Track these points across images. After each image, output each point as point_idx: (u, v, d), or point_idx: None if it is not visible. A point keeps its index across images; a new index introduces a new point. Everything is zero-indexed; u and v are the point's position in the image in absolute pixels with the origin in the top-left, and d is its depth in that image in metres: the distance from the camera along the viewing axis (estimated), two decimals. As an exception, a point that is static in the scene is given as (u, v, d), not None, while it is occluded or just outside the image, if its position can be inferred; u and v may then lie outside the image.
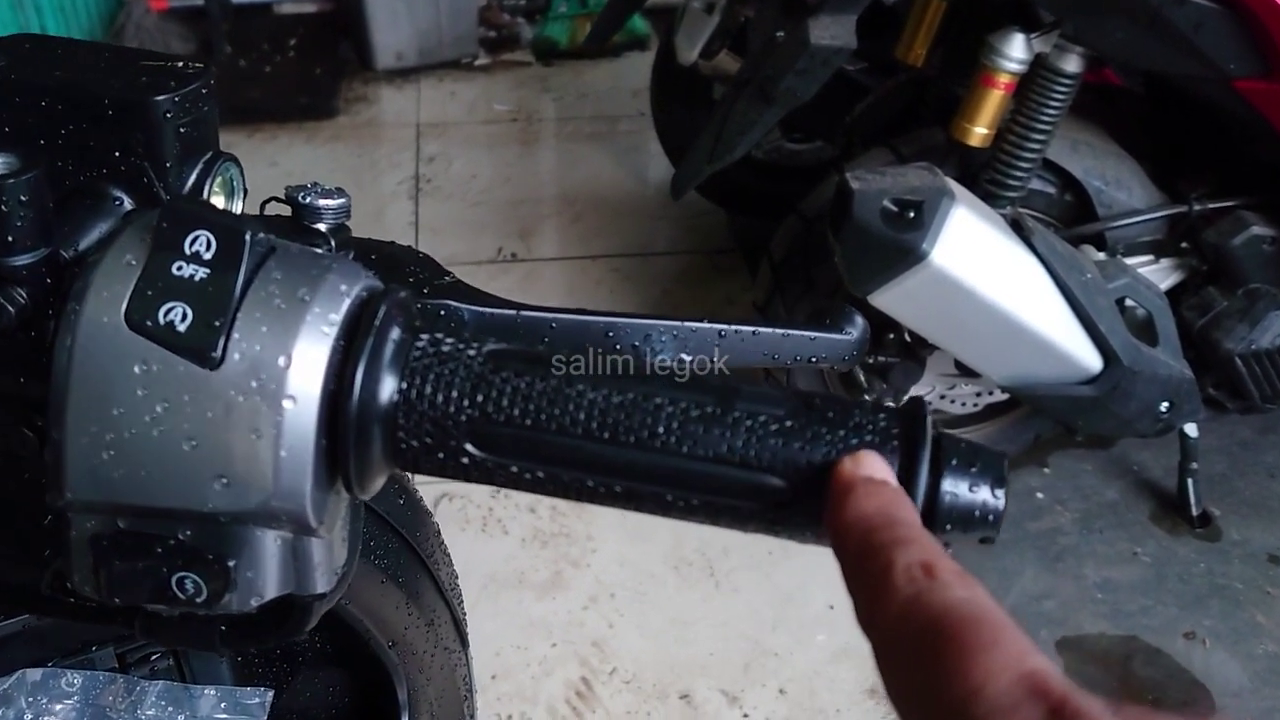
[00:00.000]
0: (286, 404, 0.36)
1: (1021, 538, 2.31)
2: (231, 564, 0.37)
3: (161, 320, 0.35)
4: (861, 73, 2.43)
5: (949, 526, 0.37)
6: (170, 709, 0.62)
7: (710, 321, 0.48)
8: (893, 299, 1.77)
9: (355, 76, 3.98)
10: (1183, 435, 2.26)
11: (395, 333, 0.38)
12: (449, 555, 0.82)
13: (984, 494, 0.36)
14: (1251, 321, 1.99)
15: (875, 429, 0.37)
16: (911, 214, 1.70)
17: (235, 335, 0.36)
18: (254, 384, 0.35)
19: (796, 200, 2.19)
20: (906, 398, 0.38)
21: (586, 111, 3.84)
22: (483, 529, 2.25)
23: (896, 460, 0.36)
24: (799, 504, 0.37)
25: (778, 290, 2.13)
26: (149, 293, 0.35)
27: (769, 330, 0.49)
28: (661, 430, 0.37)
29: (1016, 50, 1.81)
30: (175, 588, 0.37)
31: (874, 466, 0.37)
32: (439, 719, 0.82)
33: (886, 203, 1.71)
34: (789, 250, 2.13)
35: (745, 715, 1.93)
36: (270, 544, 0.38)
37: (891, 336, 2.07)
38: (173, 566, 0.37)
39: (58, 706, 0.61)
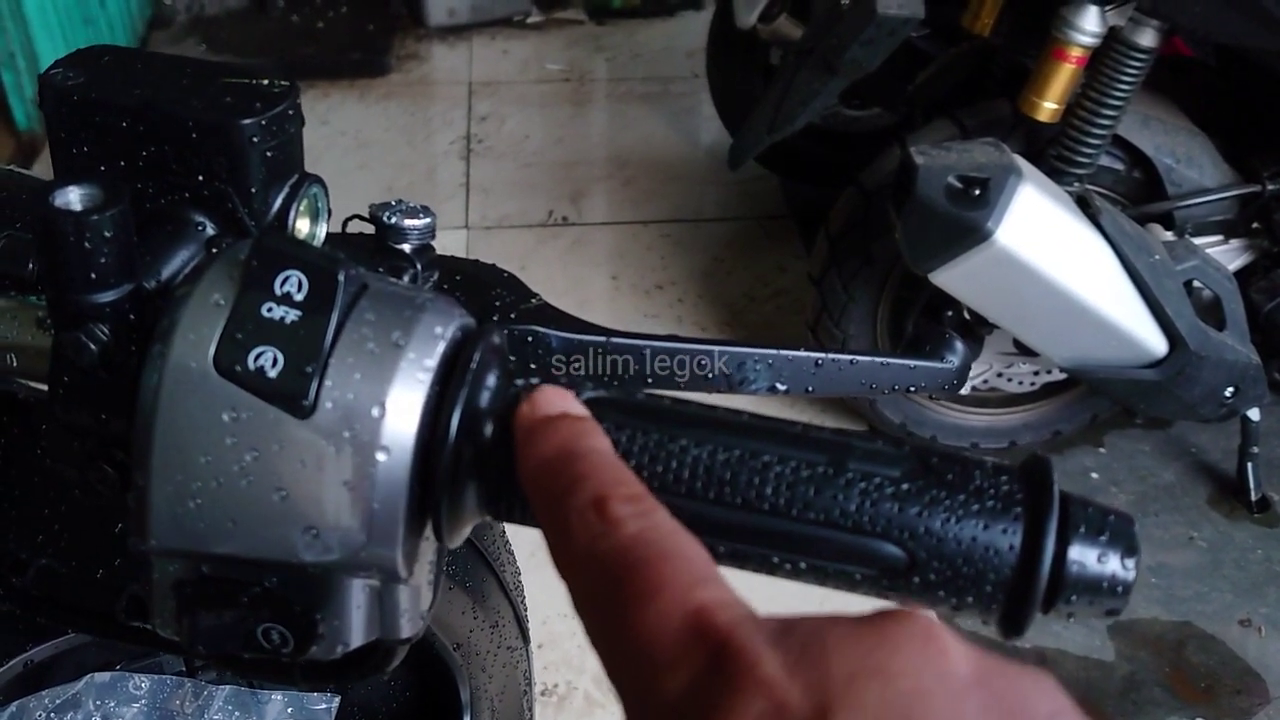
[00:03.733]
0: (380, 455, 0.34)
1: (1075, 519, 2.28)
2: (318, 616, 0.36)
3: (251, 366, 0.34)
4: (925, 39, 2.37)
5: (1074, 598, 0.34)
6: (237, 714, 0.62)
7: (807, 350, 0.46)
8: (954, 278, 1.74)
9: (408, 33, 3.96)
10: (1244, 418, 2.21)
11: (491, 379, 0.36)
12: (513, 553, 0.81)
13: (1113, 565, 0.34)
14: (1322, 306, 1.94)
15: (997, 492, 0.35)
16: (977, 191, 1.66)
17: (328, 382, 0.34)
18: (347, 434, 0.34)
19: (852, 168, 2.16)
20: (1028, 456, 0.36)
21: (639, 72, 3.79)
22: (531, 497, 2.25)
23: (1020, 527, 0.34)
24: (916, 573, 0.35)
25: (834, 264, 2.10)
26: (238, 336, 0.34)
27: (867, 359, 0.46)
28: (770, 491, 0.35)
29: (1090, 23, 1.76)
30: (261, 638, 0.36)
31: (552, 401, 0.36)
32: (499, 713, 0.81)
33: (951, 179, 1.67)
34: (847, 223, 2.10)
35: (792, 692, 1.93)
36: (358, 593, 0.36)
37: (950, 314, 2.03)
38: (259, 617, 0.35)
39: (125, 710, 0.60)
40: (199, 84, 0.40)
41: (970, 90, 2.22)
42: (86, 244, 0.34)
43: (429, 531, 0.37)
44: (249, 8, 4.02)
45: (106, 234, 0.35)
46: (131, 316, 0.36)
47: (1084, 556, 0.34)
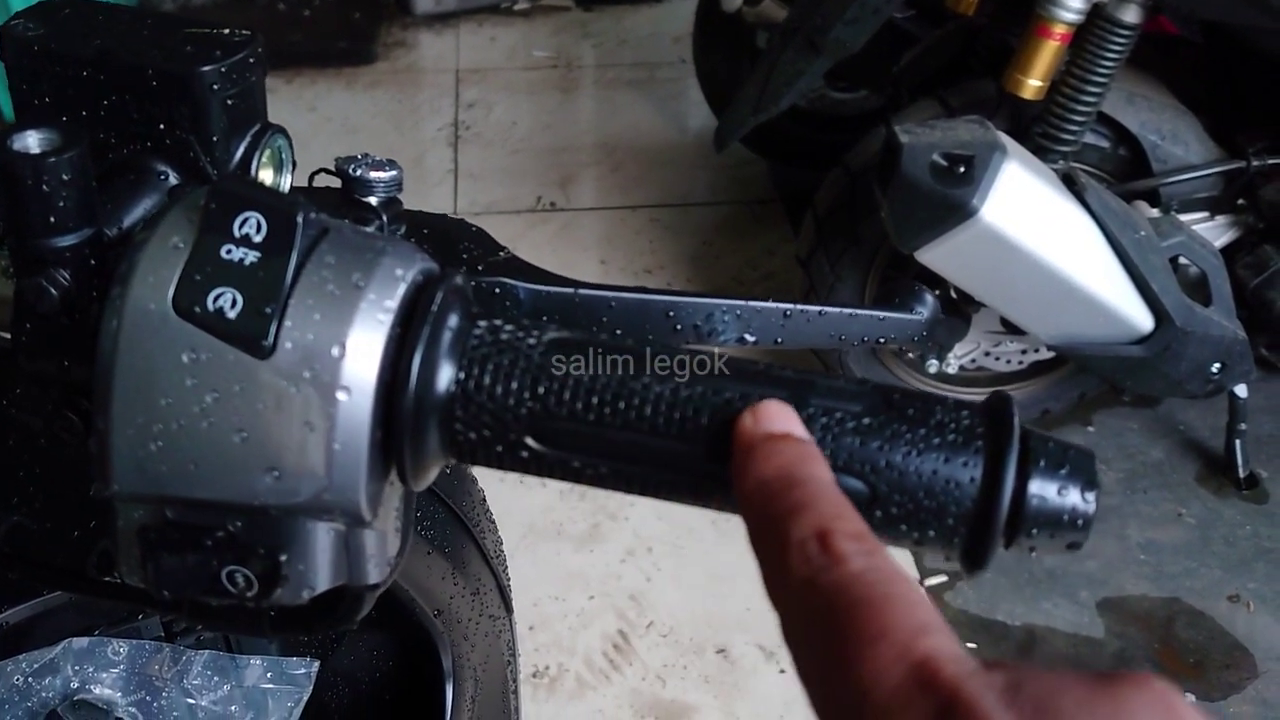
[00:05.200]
0: (340, 395, 0.34)
1: (1064, 497, 2.28)
2: (282, 558, 0.36)
3: (210, 307, 0.34)
4: (909, 20, 2.37)
5: (1035, 531, 0.35)
6: (216, 678, 0.62)
7: (775, 301, 0.46)
8: (940, 256, 1.74)
9: (394, 21, 3.95)
10: (1231, 395, 2.22)
11: (453, 320, 0.36)
12: (494, 521, 0.81)
13: (1074, 497, 0.34)
14: (1308, 281, 1.95)
15: (958, 426, 0.35)
16: (961, 169, 1.66)
17: (287, 323, 0.34)
18: (307, 374, 0.34)
19: (840, 150, 2.16)
20: (990, 392, 0.36)
21: (626, 58, 3.79)
22: (520, 481, 2.25)
23: (981, 461, 0.34)
24: (878, 506, 0.35)
25: (821, 244, 2.10)
26: (197, 278, 0.34)
27: (835, 311, 0.46)
28: None
29: (1074, 0, 1.76)
30: (225, 581, 0.36)
31: (776, 418, 0.35)
32: (482, 684, 0.81)
33: (936, 157, 1.67)
34: (834, 204, 2.10)
35: (782, 670, 1.93)
36: (322, 536, 0.36)
37: (937, 292, 2.03)
38: (222, 560, 0.36)
39: (104, 675, 0.60)
40: (160, 35, 0.40)
41: (955, 70, 2.22)
42: (45, 187, 0.34)
43: (394, 476, 0.37)
44: (235, -5, 4.01)
45: (65, 177, 0.35)
46: (92, 262, 0.36)
47: (1044, 490, 0.34)
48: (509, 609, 0.85)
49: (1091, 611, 2.08)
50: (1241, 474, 2.31)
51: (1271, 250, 2.00)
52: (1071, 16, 1.77)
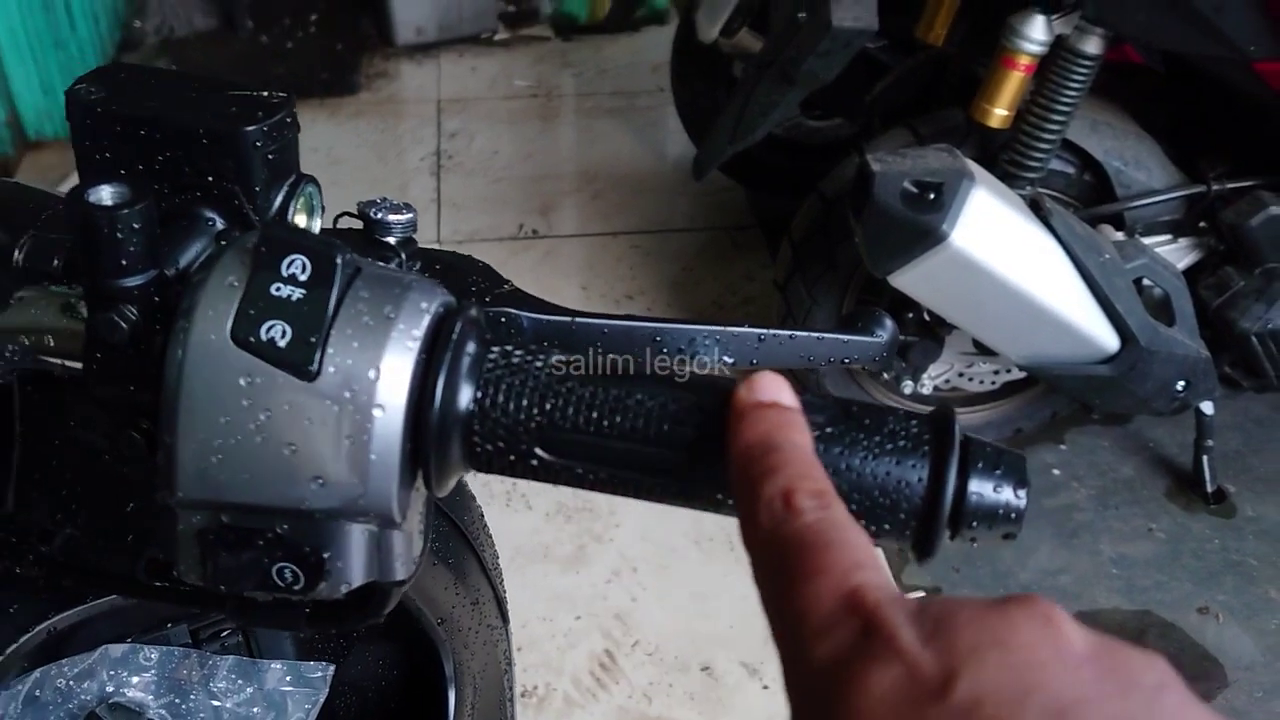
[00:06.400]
0: (376, 412, 0.39)
1: (1038, 514, 2.34)
2: (326, 555, 0.41)
3: (263, 337, 0.39)
4: (881, 50, 2.43)
5: (975, 523, 0.40)
6: (240, 681, 0.66)
7: (751, 326, 0.52)
8: (912, 280, 1.80)
9: (376, 52, 4.01)
10: (1198, 413, 2.28)
11: (471, 346, 0.42)
12: (491, 536, 0.86)
13: (1007, 494, 0.40)
14: (1268, 301, 2.01)
15: (907, 434, 0.40)
16: (932, 195, 1.72)
17: (330, 350, 0.39)
18: (347, 394, 0.39)
19: (815, 177, 2.21)
20: (935, 407, 0.41)
21: (606, 87, 3.85)
22: (507, 504, 2.29)
23: (927, 464, 0.40)
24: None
25: (798, 269, 2.16)
26: (251, 312, 0.39)
27: (805, 335, 0.52)
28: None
29: (1037, 32, 1.83)
30: (275, 577, 0.41)
31: (767, 388, 0.41)
32: (482, 691, 0.86)
33: (907, 184, 1.73)
34: (809, 230, 2.15)
35: (765, 687, 1.98)
36: (358, 536, 0.41)
37: (910, 316, 2.09)
38: (273, 558, 0.41)
39: (135, 680, 0.65)
40: (206, 96, 0.45)
41: (925, 99, 2.29)
42: (118, 234, 0.40)
43: (420, 482, 0.42)
44: (218, 28, 4.06)
45: (135, 225, 0.40)
46: (156, 299, 0.42)
47: (982, 488, 0.40)
48: (505, 619, 0.89)
49: (1066, 624, 2.13)
50: (1209, 489, 2.37)
51: (1232, 271, 2.06)
52: (1035, 48, 1.84)
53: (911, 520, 0.40)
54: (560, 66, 3.99)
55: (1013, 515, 0.40)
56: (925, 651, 0.31)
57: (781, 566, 0.36)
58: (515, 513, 2.28)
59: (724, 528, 2.24)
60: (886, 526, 0.40)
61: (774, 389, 0.41)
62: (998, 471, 0.40)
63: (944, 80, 2.27)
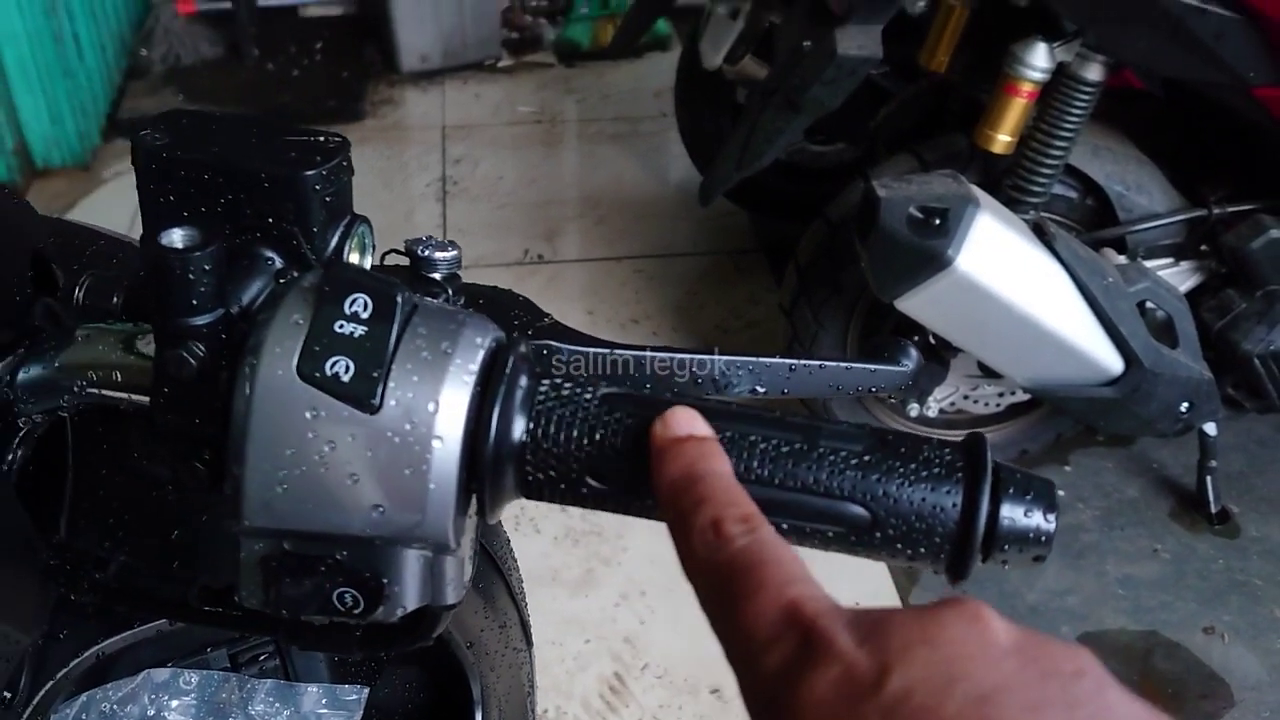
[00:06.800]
0: (435, 443, 0.41)
1: (1043, 534, 2.35)
2: (385, 580, 0.43)
3: (328, 372, 0.41)
4: (885, 77, 2.46)
5: (1006, 547, 0.42)
6: (277, 704, 0.68)
7: (782, 357, 0.54)
8: (918, 304, 1.81)
9: (381, 79, 4.04)
10: (1202, 434, 2.30)
11: (523, 380, 0.43)
12: (516, 561, 0.88)
13: (1037, 519, 0.42)
14: (1270, 323, 2.03)
15: (941, 462, 0.42)
16: (937, 221, 1.74)
17: (391, 384, 0.41)
18: (407, 426, 0.41)
19: (819, 202, 2.24)
20: (967, 434, 0.43)
21: (609, 113, 3.89)
22: (515, 528, 2.31)
23: (961, 490, 0.41)
24: (878, 528, 0.42)
25: (804, 293, 2.18)
26: (316, 348, 0.41)
27: (834, 364, 0.54)
28: (756, 464, 0.42)
29: (1039, 59, 1.85)
30: (336, 601, 0.43)
31: (681, 423, 0.43)
32: (506, 714, 0.87)
33: (912, 210, 1.75)
34: (815, 254, 2.17)
35: (775, 708, 1.98)
36: (414, 562, 0.43)
37: (916, 340, 2.11)
38: (334, 584, 0.42)
39: (176, 703, 0.66)
40: (265, 141, 0.47)
41: (929, 125, 2.31)
42: (190, 276, 0.42)
43: (473, 509, 0.44)
44: (224, 57, 4.09)
45: (206, 267, 0.42)
46: (222, 336, 0.44)
47: (1013, 513, 0.41)
48: (529, 643, 0.91)
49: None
50: (1213, 510, 2.39)
51: (1234, 294, 2.08)
52: (1038, 75, 1.87)
53: (946, 544, 0.42)
54: (564, 93, 4.02)
55: (1043, 539, 0.42)
56: (860, 652, 0.34)
57: (722, 590, 0.38)
58: (524, 537, 2.29)
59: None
60: (922, 550, 0.42)
61: (688, 422, 0.43)
62: (1028, 497, 0.42)
63: (947, 106, 2.29)
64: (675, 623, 2.14)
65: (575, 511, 2.34)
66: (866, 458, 0.42)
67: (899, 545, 0.42)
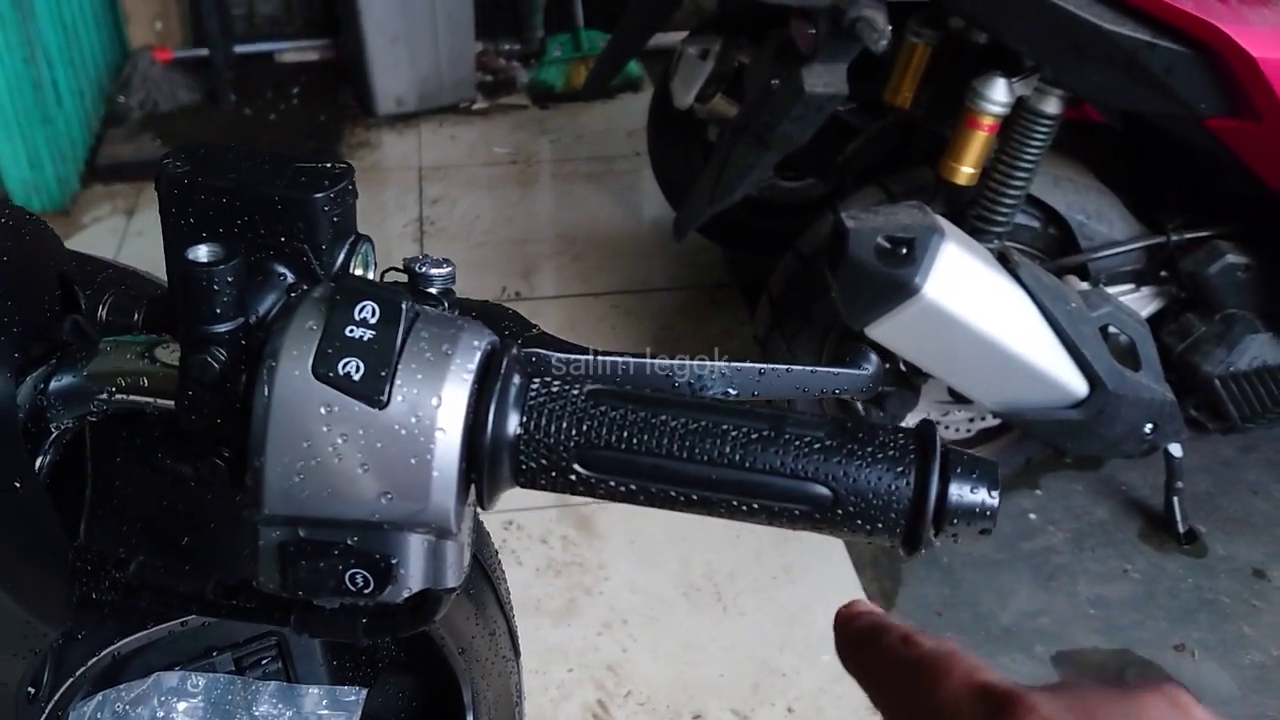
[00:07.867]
0: (438, 435, 0.45)
1: (1016, 557, 2.40)
2: (394, 561, 0.47)
3: (340, 371, 0.45)
4: (852, 114, 2.53)
5: (955, 520, 0.46)
6: (280, 705, 0.72)
7: (752, 362, 0.58)
8: (888, 331, 1.87)
9: (357, 122, 4.09)
10: (1168, 455, 2.36)
11: (516, 378, 0.48)
12: (505, 572, 0.92)
13: (982, 495, 0.46)
14: (1229, 345, 2.09)
15: (896, 445, 0.47)
16: (904, 250, 1.79)
17: (398, 382, 0.45)
18: (413, 419, 0.45)
19: (791, 236, 2.29)
20: (919, 420, 0.48)
21: (583, 153, 3.95)
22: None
23: (914, 470, 0.46)
24: (839, 505, 0.46)
25: (777, 325, 2.23)
26: (329, 350, 0.45)
27: (800, 369, 0.59)
28: (728, 450, 0.47)
29: (999, 94, 1.92)
30: (348, 582, 0.47)
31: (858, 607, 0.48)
32: (495, 721, 0.91)
33: (880, 240, 1.81)
34: (787, 286, 2.23)
35: (756, 732, 2.02)
36: (418, 546, 0.47)
37: (887, 366, 2.16)
38: (346, 565, 0.46)
39: (182, 705, 0.70)
40: (277, 168, 0.52)
41: (895, 159, 2.38)
42: (214, 287, 0.46)
43: (472, 497, 0.48)
44: (202, 103, 4.14)
45: (229, 279, 0.46)
46: (242, 342, 0.48)
47: (961, 490, 0.46)
48: (518, 653, 0.94)
49: (1047, 665, 2.18)
50: (1181, 530, 2.44)
51: (1194, 318, 2.15)
52: (998, 109, 1.93)
53: (901, 520, 0.46)
54: (538, 134, 4.08)
55: (988, 513, 0.46)
56: (1068, 716, 0.35)
57: (914, 682, 0.41)
58: (506, 568, 2.31)
59: (710, 578, 2.30)
60: (880, 525, 0.46)
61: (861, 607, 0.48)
62: (974, 476, 0.46)
63: (912, 141, 2.36)
64: (657, 650, 2.17)
65: (555, 543, 2.37)
66: (829, 442, 0.47)
67: (859, 521, 0.46)
